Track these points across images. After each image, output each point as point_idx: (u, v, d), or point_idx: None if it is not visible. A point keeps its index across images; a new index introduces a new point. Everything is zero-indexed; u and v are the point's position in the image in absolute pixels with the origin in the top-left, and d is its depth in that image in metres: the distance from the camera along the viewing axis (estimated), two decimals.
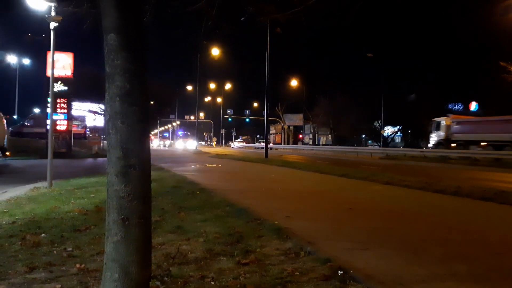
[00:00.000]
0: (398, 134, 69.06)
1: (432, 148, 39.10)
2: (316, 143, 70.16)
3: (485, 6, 38.04)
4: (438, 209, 8.85)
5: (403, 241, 5.90)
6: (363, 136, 72.03)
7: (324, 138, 75.44)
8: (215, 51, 30.22)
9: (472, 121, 37.41)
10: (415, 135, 63.72)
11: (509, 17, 28.89)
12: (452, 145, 36.66)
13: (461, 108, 59.66)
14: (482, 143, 33.38)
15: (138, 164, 3.22)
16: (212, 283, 4.01)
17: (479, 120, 37.25)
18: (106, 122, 3.28)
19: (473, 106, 54.78)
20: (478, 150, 32.06)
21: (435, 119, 39.65)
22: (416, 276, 4.35)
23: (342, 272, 4.23)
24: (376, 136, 64.63)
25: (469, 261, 4.91)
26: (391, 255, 5.10)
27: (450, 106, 60.25)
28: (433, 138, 39.56)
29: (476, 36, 42.57)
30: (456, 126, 36.89)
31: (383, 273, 4.38)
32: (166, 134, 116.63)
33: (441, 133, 38.19)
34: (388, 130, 66.58)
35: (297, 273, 4.28)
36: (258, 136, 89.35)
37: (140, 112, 3.23)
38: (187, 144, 72.55)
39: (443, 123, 38.17)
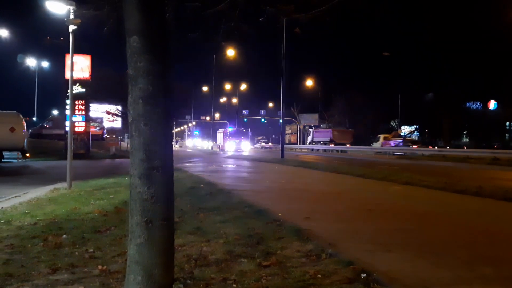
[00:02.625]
0: (416, 133, 68.22)
1: (308, 144, 63.76)
2: None
3: (504, 3, 37.34)
4: (460, 210, 8.70)
5: (426, 243, 5.80)
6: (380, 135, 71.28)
7: None
8: (231, 52, 30.21)
9: (318, 130, 63.69)
10: (433, 134, 62.88)
11: None
12: (313, 143, 60.94)
13: (480, 106, 58.57)
14: (321, 142, 58.75)
15: (161, 166, 3.21)
16: (234, 285, 3.99)
17: (320, 130, 63.78)
18: (129, 124, 3.28)
19: (492, 104, 53.74)
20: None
21: (309, 129, 67.27)
22: (441, 279, 4.27)
23: (365, 275, 4.17)
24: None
25: (495, 264, 4.80)
26: (414, 258, 5.02)
27: (468, 104, 59.20)
28: (309, 139, 65.02)
29: (495, 33, 41.83)
30: (315, 133, 62.50)
31: (407, 276, 4.30)
32: (197, 132, 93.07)
33: (311, 137, 63.73)
34: (405, 130, 65.82)
35: (320, 275, 4.23)
36: (273, 136, 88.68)
37: (163, 114, 3.22)
38: (241, 146, 52.93)
39: (311, 131, 64.81)
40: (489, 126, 53.14)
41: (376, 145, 50.23)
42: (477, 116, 56.73)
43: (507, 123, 58.49)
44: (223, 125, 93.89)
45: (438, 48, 53.37)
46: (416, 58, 58.56)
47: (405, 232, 6.50)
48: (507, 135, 58.88)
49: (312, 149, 56.87)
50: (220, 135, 63.91)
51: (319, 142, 59.73)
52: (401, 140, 45.82)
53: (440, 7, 45.68)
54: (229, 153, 42.21)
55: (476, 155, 33.20)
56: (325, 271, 4.34)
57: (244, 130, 66.66)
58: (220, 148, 55.94)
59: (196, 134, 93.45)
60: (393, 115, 59.17)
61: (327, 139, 57.42)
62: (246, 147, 52.33)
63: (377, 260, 4.82)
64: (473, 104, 59.78)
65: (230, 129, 60.50)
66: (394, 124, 63.51)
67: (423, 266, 4.67)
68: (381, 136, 50.65)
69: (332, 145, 54.77)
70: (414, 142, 43.98)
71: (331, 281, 4.08)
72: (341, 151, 49.92)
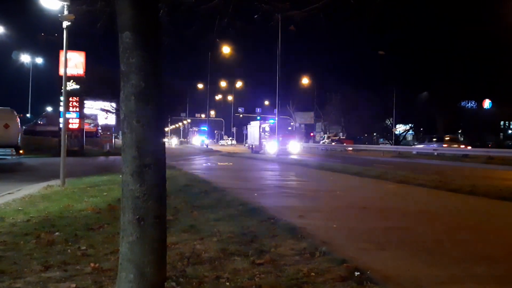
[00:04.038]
0: (410, 132, 68.44)
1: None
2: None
3: (500, 3, 37.47)
4: (454, 209, 8.72)
5: (420, 241, 5.81)
6: (375, 134, 71.66)
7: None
8: (227, 49, 30.18)
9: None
10: (427, 133, 63.13)
11: None
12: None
13: (474, 105, 58.83)
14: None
15: (153, 164, 3.18)
16: (227, 283, 3.97)
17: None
18: (121, 121, 3.24)
19: (487, 103, 54.01)
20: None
21: None
22: (434, 277, 4.27)
23: (359, 273, 4.16)
24: (388, 134, 64.21)
25: (488, 262, 4.81)
26: (408, 256, 5.02)
27: (463, 103, 59.45)
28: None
29: (490, 32, 42.05)
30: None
31: (400, 274, 4.30)
32: (205, 128, 74.18)
33: None
34: (400, 128, 66.02)
35: (313, 273, 4.22)
36: None
37: (155, 110, 3.18)
38: (288, 147, 35.92)
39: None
40: (483, 125, 53.37)
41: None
42: (472, 115, 56.99)
43: (502, 122, 58.79)
44: (218, 123, 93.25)
45: (433, 47, 53.64)
46: (411, 57, 58.82)
47: (399, 230, 6.51)
48: (501, 134, 59.15)
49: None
50: (253, 130, 42.28)
51: None
52: (337, 139, 58.25)
53: (435, 6, 45.80)
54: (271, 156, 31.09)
55: (472, 153, 33.32)
56: (319, 269, 4.33)
57: (292, 123, 44.37)
58: (254, 149, 39.52)
59: (204, 130, 76.05)
60: (388, 113, 59.26)
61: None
62: (296, 148, 34.91)
63: (371, 258, 4.82)
64: (468, 103, 60.07)
65: (270, 122, 39.17)
66: (389, 122, 63.64)
67: (416, 264, 4.67)
68: (326, 136, 63.30)
69: None
70: (337, 141, 56.45)
71: (324, 279, 4.07)
72: None
